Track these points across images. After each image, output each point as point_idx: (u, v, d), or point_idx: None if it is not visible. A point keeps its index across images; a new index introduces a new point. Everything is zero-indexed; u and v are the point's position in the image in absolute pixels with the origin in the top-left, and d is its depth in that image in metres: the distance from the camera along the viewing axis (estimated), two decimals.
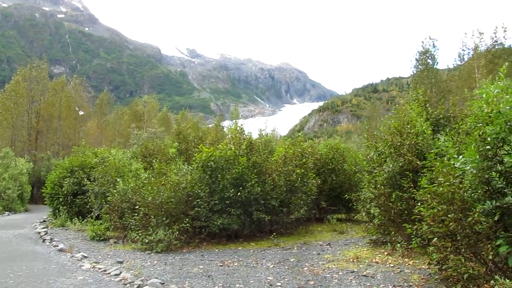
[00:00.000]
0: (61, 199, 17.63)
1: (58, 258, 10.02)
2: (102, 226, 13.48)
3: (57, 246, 11.73)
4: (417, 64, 36.30)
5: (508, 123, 5.36)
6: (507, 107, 5.51)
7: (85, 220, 15.73)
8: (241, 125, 15.13)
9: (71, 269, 8.61)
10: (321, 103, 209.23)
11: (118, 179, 13.88)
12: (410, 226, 6.64)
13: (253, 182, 11.78)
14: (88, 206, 15.91)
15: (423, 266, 7.30)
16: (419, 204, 6.43)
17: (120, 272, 8.03)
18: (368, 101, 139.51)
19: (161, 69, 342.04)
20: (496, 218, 5.04)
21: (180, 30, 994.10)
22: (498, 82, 6.01)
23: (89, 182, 15.60)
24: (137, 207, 11.79)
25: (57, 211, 18.15)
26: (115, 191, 13.22)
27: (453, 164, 5.73)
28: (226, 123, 59.47)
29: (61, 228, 16.43)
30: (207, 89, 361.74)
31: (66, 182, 17.36)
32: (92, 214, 15.27)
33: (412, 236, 6.70)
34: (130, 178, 13.92)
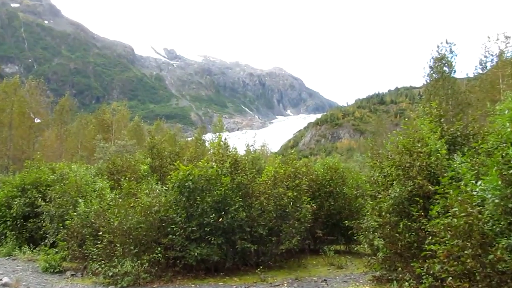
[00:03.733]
0: (8, 223, 17.26)
1: None
2: (58, 256, 13.23)
3: (1, 280, 11.46)
4: (431, 72, 36.47)
5: None
6: None
7: (38, 248, 15.44)
8: (226, 139, 15.09)
9: None
10: (318, 115, 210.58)
11: (79, 200, 13.71)
12: (419, 263, 6.59)
13: (237, 206, 11.73)
14: (41, 232, 15.62)
15: None
16: (430, 237, 6.39)
17: None
18: (373, 114, 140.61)
19: (134, 71, 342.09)
20: None
21: (157, 27, 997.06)
22: None
23: (44, 203, 15.35)
24: (100, 233, 11.66)
25: (3, 237, 17.78)
26: (75, 214, 13.05)
27: (471, 190, 5.72)
28: (208, 137, 59.35)
29: (7, 257, 16.07)
30: (187, 96, 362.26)
31: (16, 202, 17.04)
32: (46, 241, 14.99)
33: (422, 274, 6.65)
34: (93, 198, 13.75)
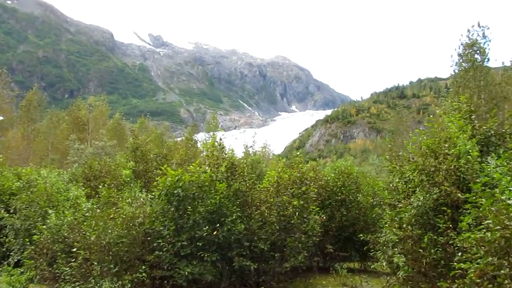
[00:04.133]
0: None
1: None
2: (24, 277, 13.17)
3: None
4: (460, 60, 36.08)
5: None
6: None
7: (0, 268, 15.40)
8: (221, 139, 15.05)
9: None
10: (328, 112, 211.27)
11: (49, 211, 13.68)
12: (447, 283, 6.57)
13: (234, 217, 11.72)
14: (4, 248, 15.61)
15: None
16: (460, 254, 6.37)
17: None
18: (392, 110, 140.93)
19: (114, 61, 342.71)
20: None
21: (141, 9, 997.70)
22: None
23: (7, 215, 15.34)
24: (74, 249, 11.62)
25: None
26: (44, 227, 13.01)
27: (508, 199, 5.69)
28: (201, 137, 59.40)
29: None
30: (175, 89, 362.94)
31: None
32: (10, 259, 14.96)
33: None
34: (66, 209, 13.73)
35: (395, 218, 9.66)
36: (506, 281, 5.43)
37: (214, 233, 11.42)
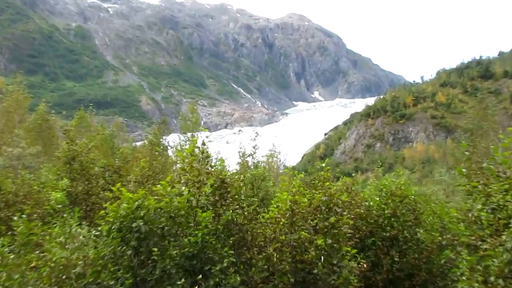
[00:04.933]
0: None
1: None
2: None
3: None
4: None
5: None
6: None
7: None
8: (205, 143, 15.05)
9: None
10: (371, 101, 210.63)
11: None
12: None
13: (226, 264, 11.70)
14: None
15: None
16: None
17: None
18: (470, 97, 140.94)
19: (36, 22, 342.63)
20: None
21: None
22: None
23: None
24: None
25: None
26: None
27: None
28: (173, 139, 59.41)
29: None
30: (133, 67, 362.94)
31: None
32: None
33: None
34: None
35: (478, 266, 9.64)
36: None
37: None
